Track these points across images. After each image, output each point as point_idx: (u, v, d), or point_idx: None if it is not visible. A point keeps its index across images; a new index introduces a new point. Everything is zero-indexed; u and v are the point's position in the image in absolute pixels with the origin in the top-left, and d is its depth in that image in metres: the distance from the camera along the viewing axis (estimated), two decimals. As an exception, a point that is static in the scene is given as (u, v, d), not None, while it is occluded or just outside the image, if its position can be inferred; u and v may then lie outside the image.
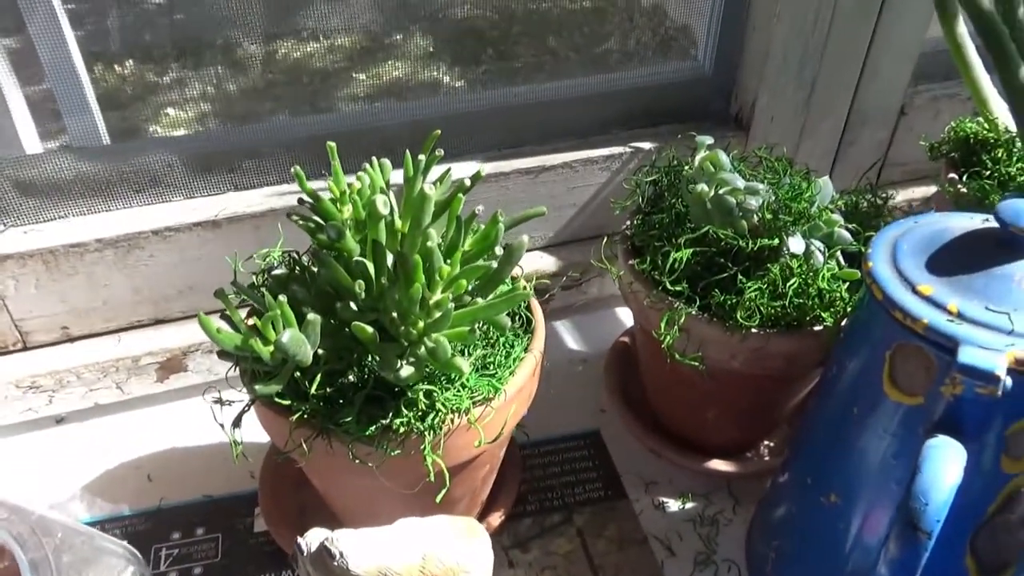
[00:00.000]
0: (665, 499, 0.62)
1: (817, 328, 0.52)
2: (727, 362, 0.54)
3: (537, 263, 0.75)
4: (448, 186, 0.49)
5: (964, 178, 0.63)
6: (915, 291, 0.41)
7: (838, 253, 0.55)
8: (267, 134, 0.69)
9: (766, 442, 0.65)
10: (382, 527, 0.35)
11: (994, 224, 0.42)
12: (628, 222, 0.60)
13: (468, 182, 0.47)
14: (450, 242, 0.45)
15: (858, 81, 0.76)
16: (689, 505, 0.62)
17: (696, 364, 0.52)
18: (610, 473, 0.64)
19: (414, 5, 0.71)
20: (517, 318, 0.52)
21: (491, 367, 0.46)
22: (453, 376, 0.44)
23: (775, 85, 0.73)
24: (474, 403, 0.44)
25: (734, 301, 0.51)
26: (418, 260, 0.40)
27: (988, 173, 0.62)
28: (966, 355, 0.38)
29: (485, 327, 0.48)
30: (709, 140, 0.56)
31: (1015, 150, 0.63)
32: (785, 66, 0.72)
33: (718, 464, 0.62)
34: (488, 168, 0.70)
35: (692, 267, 0.54)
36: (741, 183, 0.53)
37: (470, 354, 0.46)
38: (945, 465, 0.37)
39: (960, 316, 0.39)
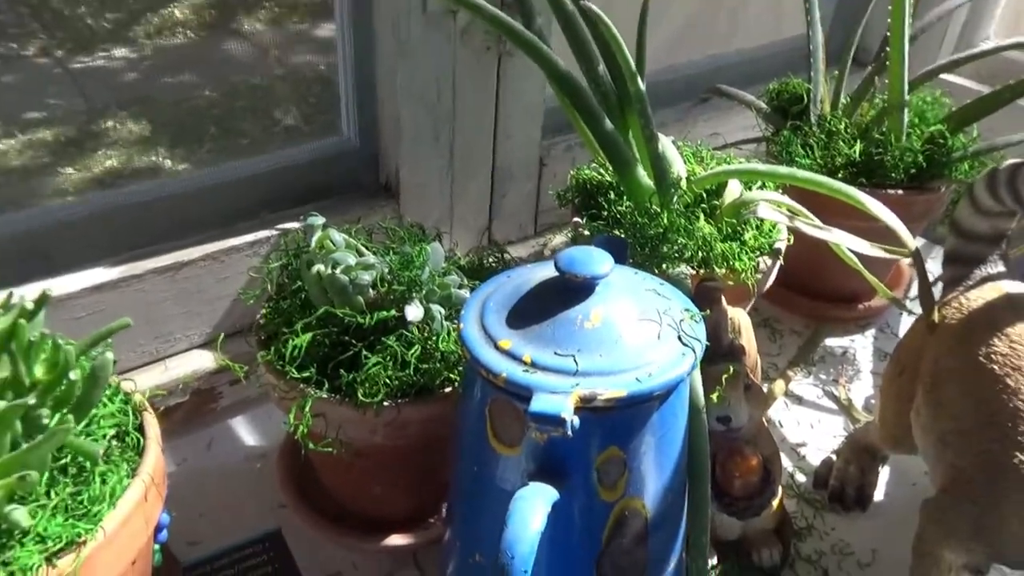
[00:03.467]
0: (350, 587, 0.60)
1: (448, 390, 0.53)
2: (370, 438, 0.53)
3: (196, 362, 0.71)
4: (15, 312, 0.44)
5: (585, 220, 0.68)
6: (497, 347, 0.43)
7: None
8: None
9: (446, 505, 0.65)
10: None
11: (557, 273, 0.45)
12: (261, 311, 0.58)
13: (31, 305, 0.43)
14: (8, 380, 0.40)
15: (494, 141, 0.81)
16: (375, 587, 0.61)
17: (329, 450, 0.51)
18: (291, 574, 0.61)
19: None
20: (128, 437, 0.47)
21: (83, 504, 0.42)
22: (15, 532, 0.39)
23: (414, 153, 0.76)
24: (56, 554, 0.39)
25: (362, 378, 0.51)
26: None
27: (605, 214, 0.68)
28: (536, 403, 0.40)
29: (78, 459, 0.44)
30: (320, 220, 0.56)
31: (622, 191, 0.69)
32: (418, 135, 0.75)
33: (396, 539, 0.61)
34: (116, 272, 0.65)
35: (322, 349, 0.53)
36: (353, 260, 0.53)
37: (48, 496, 0.41)
38: (530, 515, 0.39)
39: (534, 365, 0.42)
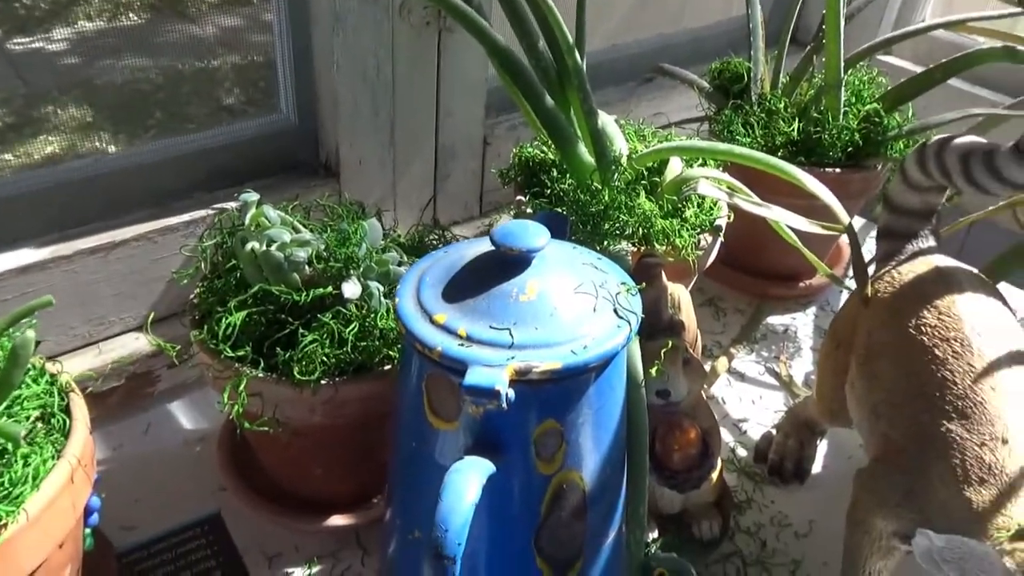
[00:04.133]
0: (291, 569, 0.60)
1: (387, 367, 0.53)
2: (308, 417, 0.53)
3: (131, 346, 0.69)
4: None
5: (529, 198, 0.68)
6: (432, 321, 0.43)
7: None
8: None
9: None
10: None
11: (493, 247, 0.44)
12: (195, 291, 0.57)
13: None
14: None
15: (436, 119, 0.80)
16: (316, 568, 0.60)
17: (266, 429, 0.50)
18: (230, 557, 0.60)
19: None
20: (54, 419, 0.46)
21: (4, 486, 0.41)
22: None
23: (353, 130, 0.75)
24: (-25, 535, 0.38)
25: (297, 356, 0.51)
26: None
27: (548, 192, 0.68)
28: (470, 376, 0.39)
29: (-1, 441, 0.42)
30: (255, 196, 0.55)
31: (564, 168, 0.69)
32: (357, 111, 0.74)
33: (338, 519, 0.61)
34: (46, 252, 0.64)
35: (257, 328, 0.53)
36: (288, 236, 0.52)
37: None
38: (464, 487, 0.39)
39: (469, 339, 0.42)
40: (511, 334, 0.42)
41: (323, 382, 0.51)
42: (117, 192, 0.69)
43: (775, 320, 0.88)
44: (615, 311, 0.44)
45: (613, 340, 0.43)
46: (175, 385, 0.72)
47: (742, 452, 0.72)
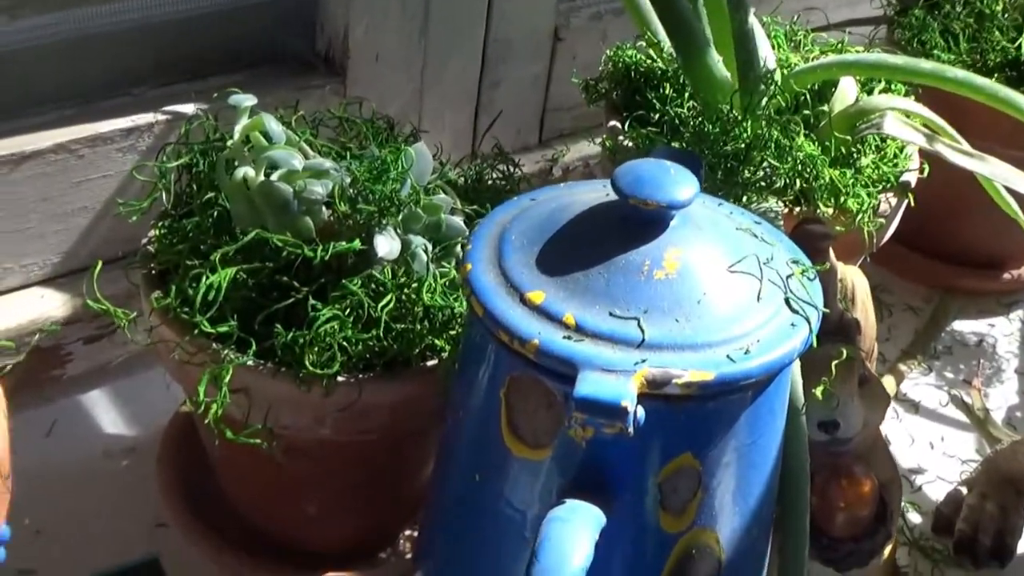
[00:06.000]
0: (262, 645, 0.62)
1: (431, 362, 0.54)
2: (313, 429, 0.54)
3: (35, 308, 0.71)
4: None
5: (628, 125, 0.69)
6: (524, 300, 0.44)
7: (458, 250, 0.57)
8: None
9: (408, 531, 0.67)
10: None
11: (615, 196, 0.45)
12: (151, 233, 0.58)
13: None
14: None
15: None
16: (298, 647, 0.62)
17: (259, 443, 0.52)
18: (174, 622, 0.62)
19: None
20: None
21: None
22: None
23: (372, 8, 0.76)
24: None
25: (308, 338, 0.52)
26: None
27: (657, 117, 0.69)
28: (584, 385, 0.40)
29: None
30: (251, 100, 0.55)
31: (685, 83, 0.70)
32: (381, -20, 0.75)
33: (334, 577, 0.62)
34: (-78, 164, 0.65)
35: (246, 293, 0.54)
36: (299, 162, 0.53)
37: None
38: (570, 545, 0.40)
39: (579, 329, 0.43)
40: (641, 326, 0.42)
41: (340, 379, 0.52)
42: (25, 82, 0.70)
43: (965, 326, 0.90)
44: (787, 302, 0.45)
45: (786, 344, 0.44)
46: (93, 368, 0.74)
47: (915, 518, 0.74)
